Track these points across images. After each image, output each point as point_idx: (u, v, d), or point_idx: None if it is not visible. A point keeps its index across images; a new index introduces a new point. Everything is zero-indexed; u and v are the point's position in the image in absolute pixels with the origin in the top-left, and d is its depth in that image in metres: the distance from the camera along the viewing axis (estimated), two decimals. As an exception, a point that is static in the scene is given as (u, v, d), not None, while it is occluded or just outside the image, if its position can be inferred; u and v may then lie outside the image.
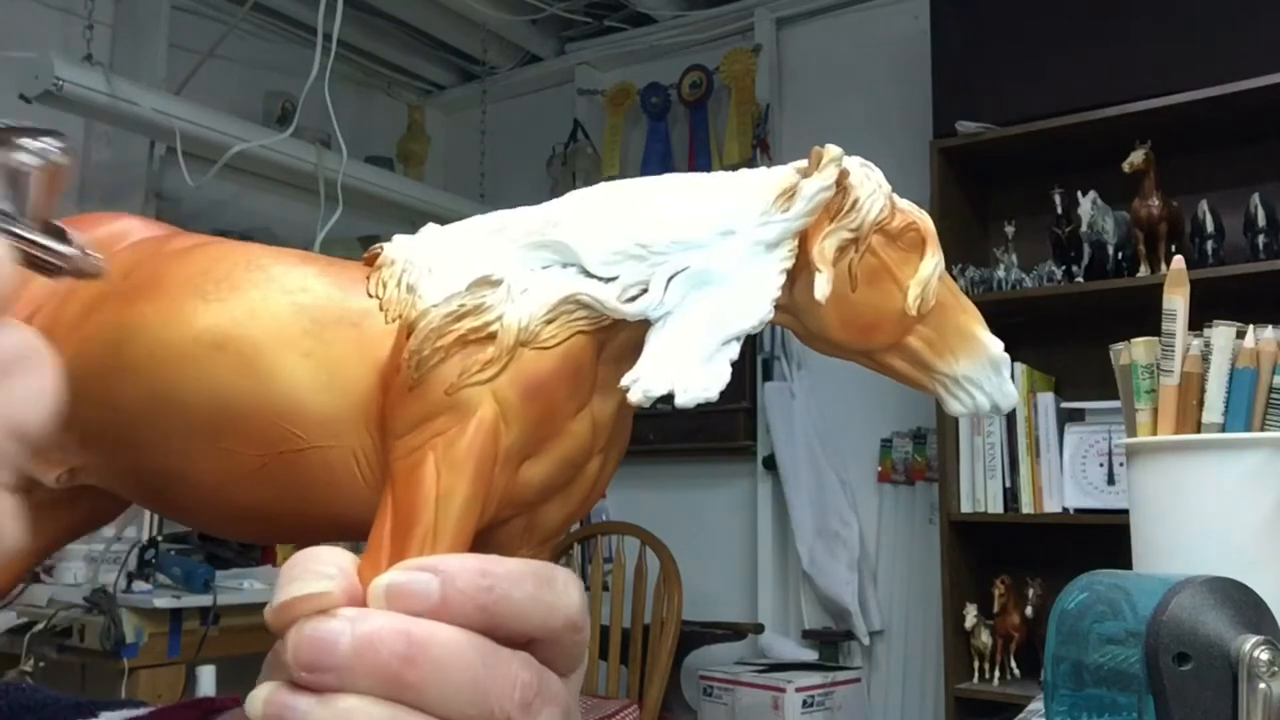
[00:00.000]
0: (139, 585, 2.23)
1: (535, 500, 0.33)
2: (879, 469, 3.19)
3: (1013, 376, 2.49)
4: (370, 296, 0.33)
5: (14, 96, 2.48)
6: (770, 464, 3.23)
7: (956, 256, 2.74)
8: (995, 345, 0.36)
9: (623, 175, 3.63)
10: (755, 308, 0.32)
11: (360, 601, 0.28)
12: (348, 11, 2.87)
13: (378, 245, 0.35)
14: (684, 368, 0.31)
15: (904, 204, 0.35)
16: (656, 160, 3.60)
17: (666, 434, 3.15)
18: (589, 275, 0.32)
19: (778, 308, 0.33)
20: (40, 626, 2.16)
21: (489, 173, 3.87)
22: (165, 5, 3.12)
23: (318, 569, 0.28)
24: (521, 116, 4.03)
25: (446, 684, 0.26)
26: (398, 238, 0.35)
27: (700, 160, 3.53)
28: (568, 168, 3.74)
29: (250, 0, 3.02)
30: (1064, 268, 2.64)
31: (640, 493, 3.25)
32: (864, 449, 3.20)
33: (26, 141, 0.24)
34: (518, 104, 4.06)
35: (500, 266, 0.32)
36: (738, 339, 0.32)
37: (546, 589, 0.29)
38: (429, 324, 0.31)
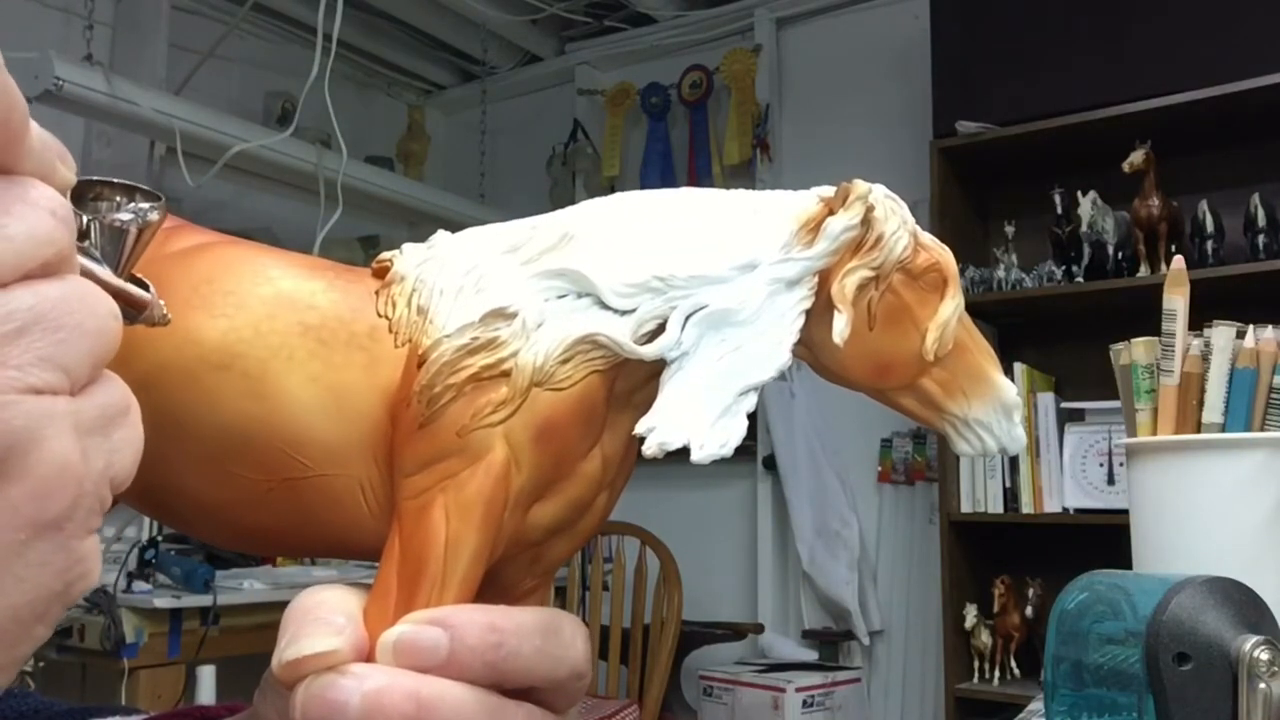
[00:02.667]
0: (139, 585, 2.23)
1: (542, 540, 0.33)
2: (879, 469, 3.19)
3: (1012, 376, 2.48)
4: (379, 316, 0.32)
5: (14, 96, 2.47)
6: (770, 464, 3.23)
7: (956, 257, 2.72)
8: (1009, 390, 0.35)
9: (623, 175, 3.66)
10: (773, 356, 0.32)
11: (368, 653, 0.28)
12: (348, 11, 2.87)
13: (386, 257, 0.34)
14: (701, 421, 0.31)
15: (925, 239, 0.34)
16: (656, 160, 3.60)
17: (666, 434, 3.14)
18: (605, 307, 0.31)
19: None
20: (40, 626, 2.16)
21: (489, 173, 3.87)
22: (165, 5, 3.12)
23: (327, 620, 0.28)
24: (521, 116, 4.03)
25: None
26: (407, 249, 0.34)
27: (700, 160, 3.54)
28: (568, 168, 3.74)
29: (250, 0, 3.02)
30: (1064, 268, 2.64)
31: (640, 493, 3.24)
32: (864, 449, 3.20)
33: (126, 200, 0.25)
34: (518, 104, 4.06)
35: (514, 295, 0.31)
36: (755, 389, 0.31)
37: (553, 641, 0.29)
38: (441, 357, 0.30)
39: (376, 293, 0.33)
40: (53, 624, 0.23)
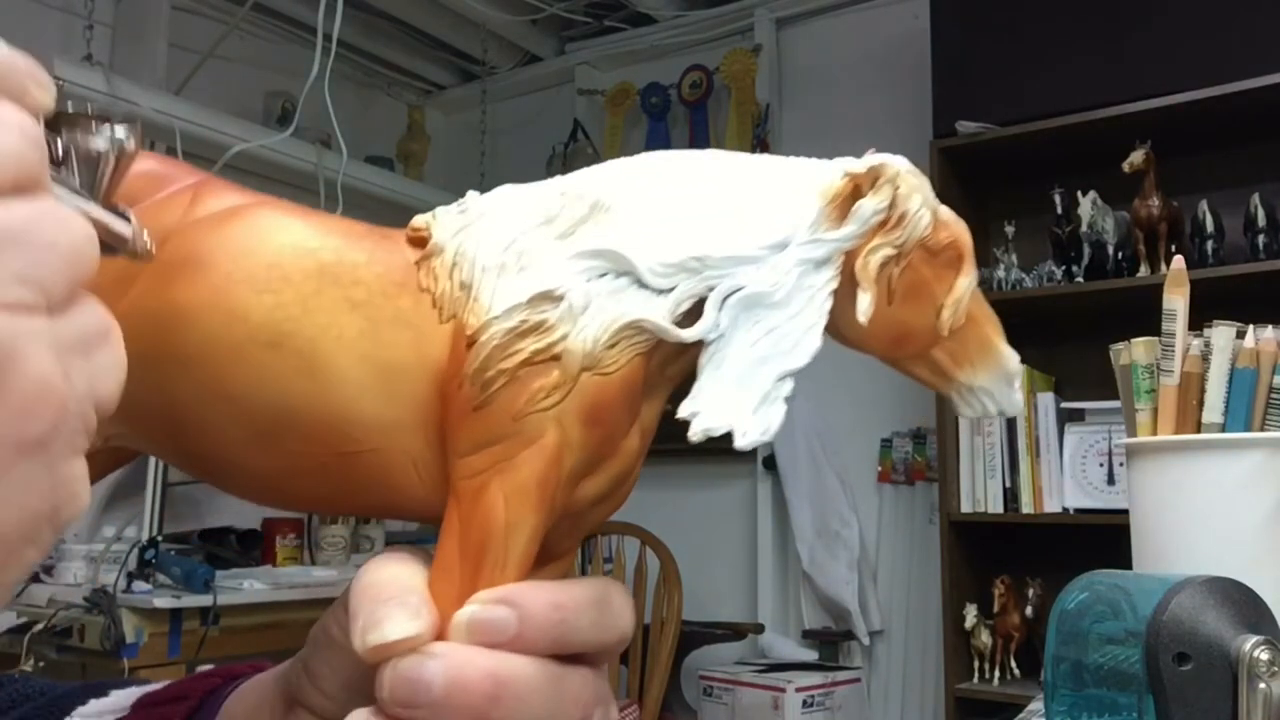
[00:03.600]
0: (139, 585, 2.23)
1: (587, 510, 0.34)
2: (879, 469, 3.19)
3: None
4: (421, 289, 0.33)
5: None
6: (770, 464, 3.23)
7: (956, 256, 2.74)
8: (1012, 359, 0.37)
9: (623, 175, 3.64)
10: (806, 342, 0.32)
11: (441, 630, 0.30)
12: (348, 11, 2.87)
13: (422, 224, 0.34)
14: (743, 407, 0.32)
15: (944, 213, 0.35)
16: (656, 160, 3.60)
17: (666, 434, 3.13)
18: (643, 286, 0.32)
19: None
20: (40, 626, 2.16)
21: (489, 173, 3.87)
22: (165, 5, 3.12)
23: (404, 602, 0.30)
24: (521, 116, 4.03)
25: (524, 716, 0.29)
26: (440, 214, 0.34)
27: (700, 160, 3.53)
28: (568, 168, 3.71)
29: (250, 0, 3.02)
30: (1064, 268, 2.64)
31: (640, 493, 3.21)
32: (864, 449, 3.20)
33: (102, 127, 0.25)
34: (518, 104, 4.07)
35: (559, 277, 0.32)
36: (792, 375, 0.32)
37: (606, 612, 0.32)
38: (491, 340, 0.31)
39: (417, 264, 0.33)
40: (44, 548, 0.22)
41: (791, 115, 3.47)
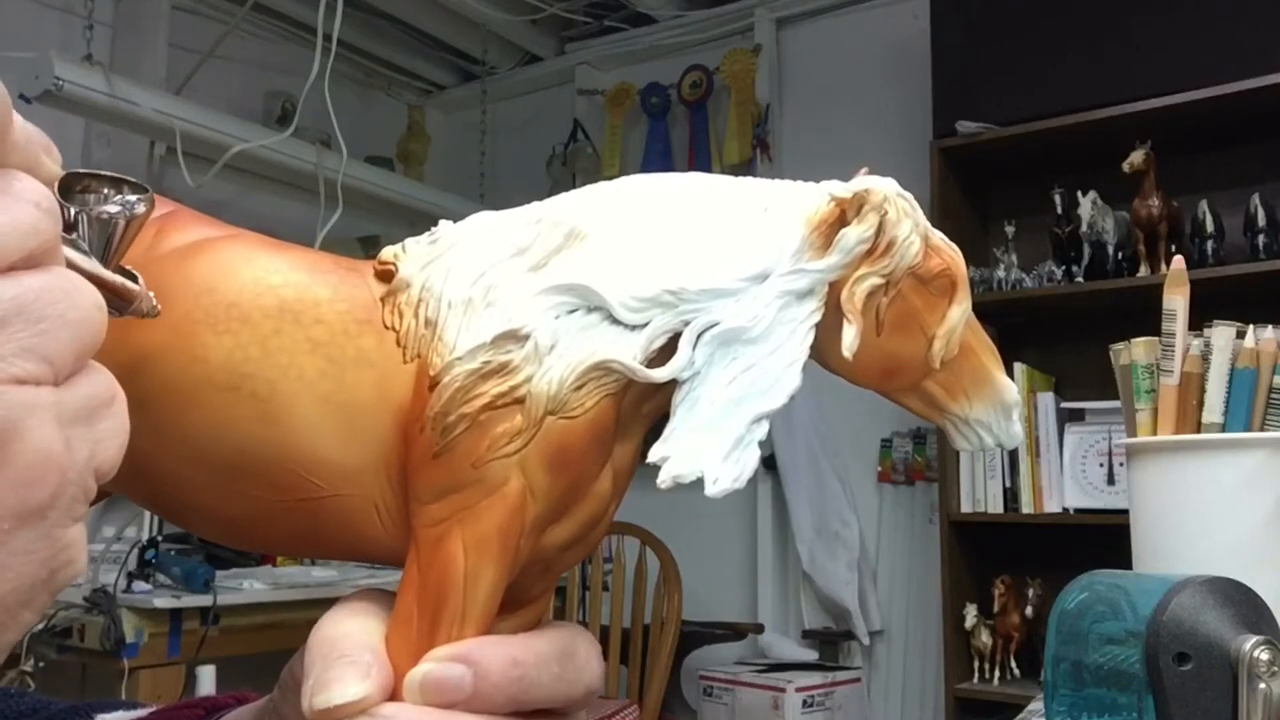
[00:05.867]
0: (139, 585, 2.23)
1: (556, 556, 0.33)
2: (879, 469, 3.19)
3: (1012, 376, 2.48)
4: (386, 327, 0.31)
5: (14, 96, 2.46)
6: (770, 464, 3.23)
7: (956, 256, 2.74)
8: (1009, 391, 0.35)
9: (623, 175, 3.64)
10: (785, 381, 0.31)
11: (393, 686, 0.29)
12: (348, 11, 2.87)
13: (389, 258, 0.33)
14: (715, 453, 0.31)
15: (936, 239, 0.34)
16: (656, 160, 3.60)
17: (666, 434, 3.14)
18: (615, 321, 0.31)
19: None
20: (40, 626, 2.16)
21: (489, 173, 3.87)
22: (165, 5, 3.12)
23: (354, 659, 0.29)
24: (521, 116, 4.03)
25: None
26: (410, 247, 0.33)
27: (700, 160, 3.53)
28: (568, 168, 3.74)
29: (250, 0, 3.02)
30: (1064, 268, 2.64)
31: (640, 493, 3.22)
32: (864, 449, 3.20)
33: (114, 192, 0.26)
34: (518, 104, 4.06)
35: (525, 314, 0.31)
36: (767, 417, 0.31)
37: (570, 666, 0.31)
38: (453, 382, 0.30)
39: (382, 299, 0.32)
40: (39, 610, 0.23)
41: (791, 115, 3.47)
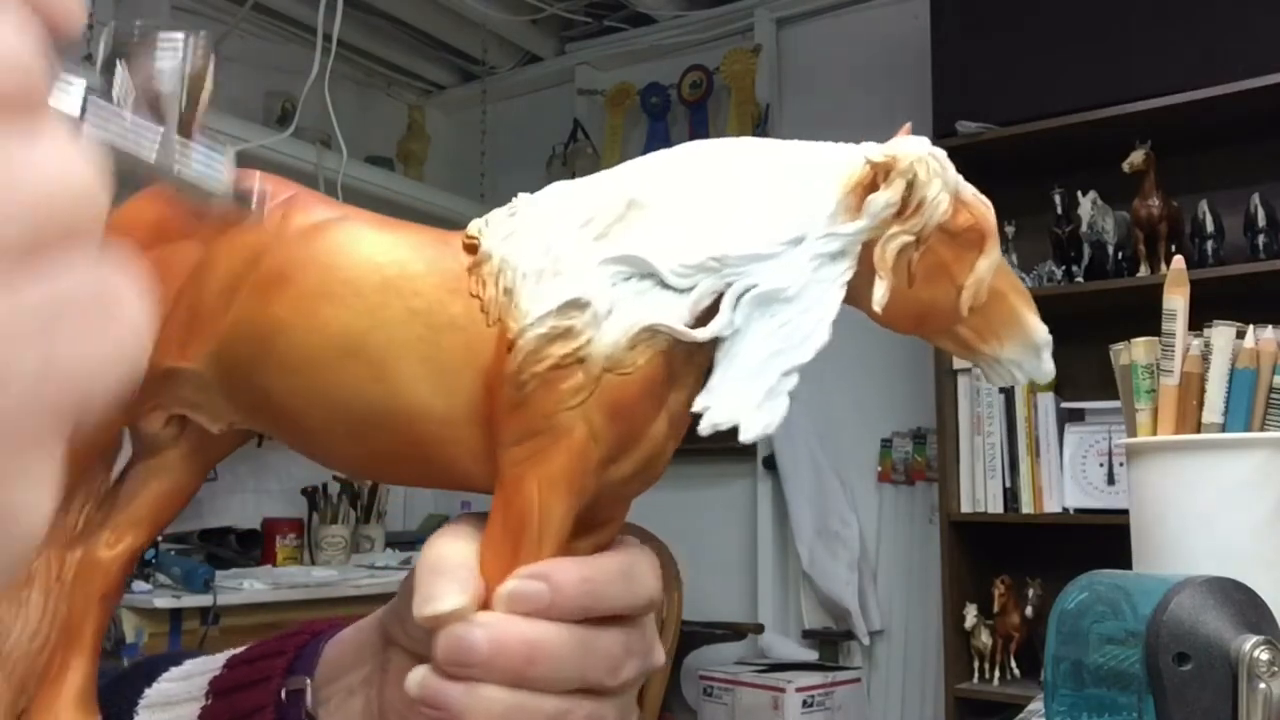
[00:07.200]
0: (139, 585, 2.23)
1: (621, 487, 0.37)
2: (879, 469, 3.19)
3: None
4: (472, 295, 0.36)
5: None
6: (770, 464, 3.23)
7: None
8: (1039, 330, 0.38)
9: (623, 175, 3.65)
10: (814, 336, 0.34)
11: (487, 596, 0.34)
12: (348, 11, 2.87)
13: (475, 230, 0.38)
14: (748, 401, 0.34)
15: (967, 194, 0.36)
16: (656, 160, 3.60)
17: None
18: (666, 286, 0.35)
19: None
20: (40, 626, 2.16)
21: (489, 173, 3.87)
22: (165, 5, 3.12)
23: (455, 576, 0.34)
24: (521, 116, 4.03)
25: (558, 672, 0.34)
26: (493, 220, 0.38)
27: (700, 160, 3.54)
28: (568, 168, 3.74)
29: (250, 0, 3.02)
30: (1064, 268, 2.64)
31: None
32: (864, 449, 3.20)
33: (164, 47, 0.22)
34: (518, 104, 4.06)
35: (587, 283, 0.35)
36: (797, 369, 0.34)
37: (633, 580, 0.37)
38: (525, 345, 0.35)
39: (469, 270, 0.37)
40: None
41: (791, 115, 3.46)
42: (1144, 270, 2.50)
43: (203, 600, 2.23)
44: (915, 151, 0.35)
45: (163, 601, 2.18)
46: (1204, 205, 2.49)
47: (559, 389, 0.34)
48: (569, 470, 0.35)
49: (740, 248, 0.35)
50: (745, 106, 3.44)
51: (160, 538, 2.34)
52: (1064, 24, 2.60)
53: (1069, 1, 2.62)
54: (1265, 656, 0.54)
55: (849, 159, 0.36)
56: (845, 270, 0.35)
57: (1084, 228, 2.56)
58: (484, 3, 3.54)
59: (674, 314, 0.34)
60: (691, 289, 0.35)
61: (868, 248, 0.35)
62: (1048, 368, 0.38)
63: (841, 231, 0.35)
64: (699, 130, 3.58)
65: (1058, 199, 2.61)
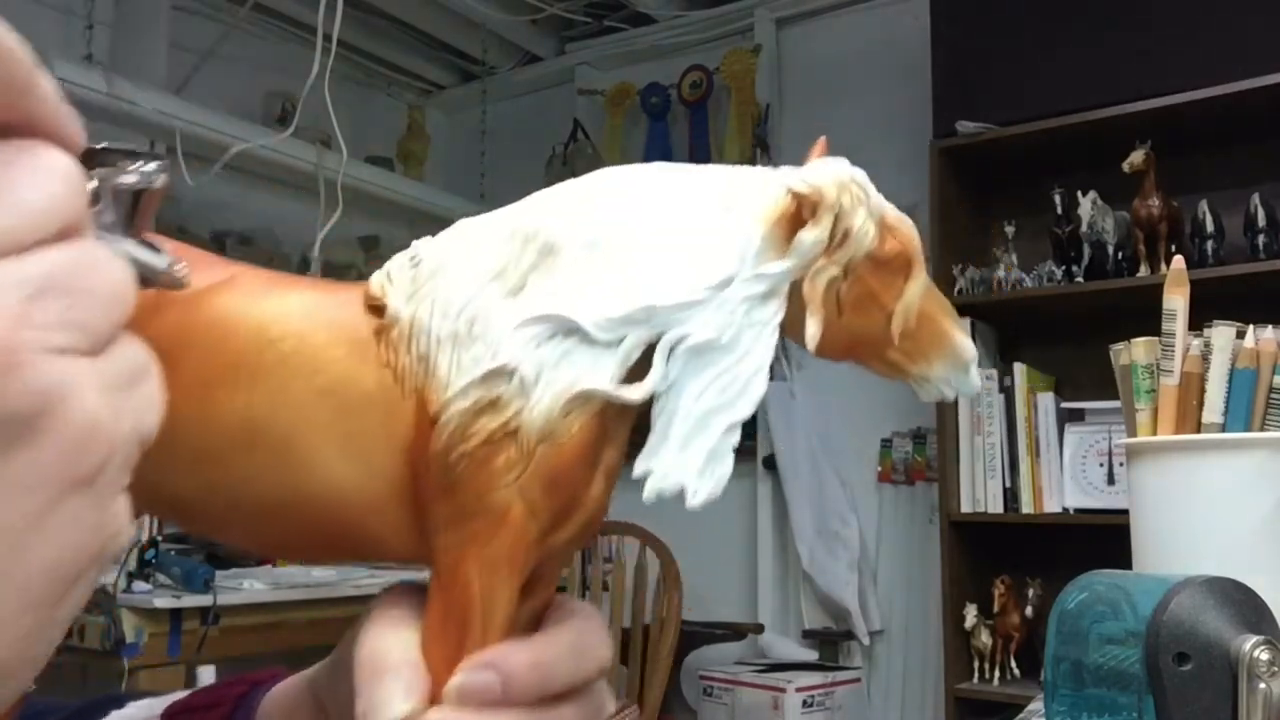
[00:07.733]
0: (139, 585, 2.23)
1: (560, 551, 0.35)
2: (879, 469, 3.19)
3: (1012, 377, 2.45)
4: (383, 365, 0.33)
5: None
6: (770, 464, 3.23)
7: (956, 256, 2.74)
8: (966, 349, 0.37)
9: (623, 175, 3.64)
10: (753, 388, 0.33)
11: (433, 693, 0.33)
12: (348, 11, 2.87)
13: (378, 288, 0.34)
14: (690, 465, 0.33)
15: (891, 217, 0.35)
16: (656, 160, 3.60)
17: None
18: (593, 342, 0.33)
19: None
20: (40, 626, 2.16)
21: (489, 173, 3.87)
22: (165, 5, 3.12)
23: (399, 675, 0.33)
24: (521, 116, 4.03)
25: None
26: (395, 274, 0.34)
27: (700, 160, 3.53)
28: (568, 168, 3.74)
29: (250, 0, 3.02)
30: (1064, 268, 2.64)
31: (640, 493, 3.24)
32: (864, 449, 3.20)
33: (132, 163, 0.26)
34: (518, 104, 4.06)
35: (508, 348, 0.33)
36: (738, 425, 0.33)
37: (584, 654, 0.35)
38: (450, 421, 0.32)
39: (376, 334, 0.34)
40: (91, 585, 0.23)
41: (791, 115, 3.47)
42: (1144, 270, 2.50)
43: (203, 600, 2.23)
44: (838, 178, 0.34)
45: (162, 601, 2.18)
46: (1204, 205, 2.49)
47: (491, 466, 0.32)
48: (509, 551, 0.33)
49: (666, 296, 0.33)
50: (745, 106, 3.44)
51: (160, 538, 2.35)
52: (1064, 24, 2.60)
53: (1069, 2, 2.62)
54: (1265, 656, 0.54)
55: (769, 189, 0.35)
56: (776, 312, 0.33)
57: (1084, 228, 2.56)
58: (484, 3, 3.54)
59: (604, 372, 0.33)
60: (619, 342, 0.33)
61: (796, 283, 0.34)
62: (974, 381, 0.37)
63: (769, 272, 0.33)
64: (699, 130, 3.58)
65: (1058, 199, 2.61)
